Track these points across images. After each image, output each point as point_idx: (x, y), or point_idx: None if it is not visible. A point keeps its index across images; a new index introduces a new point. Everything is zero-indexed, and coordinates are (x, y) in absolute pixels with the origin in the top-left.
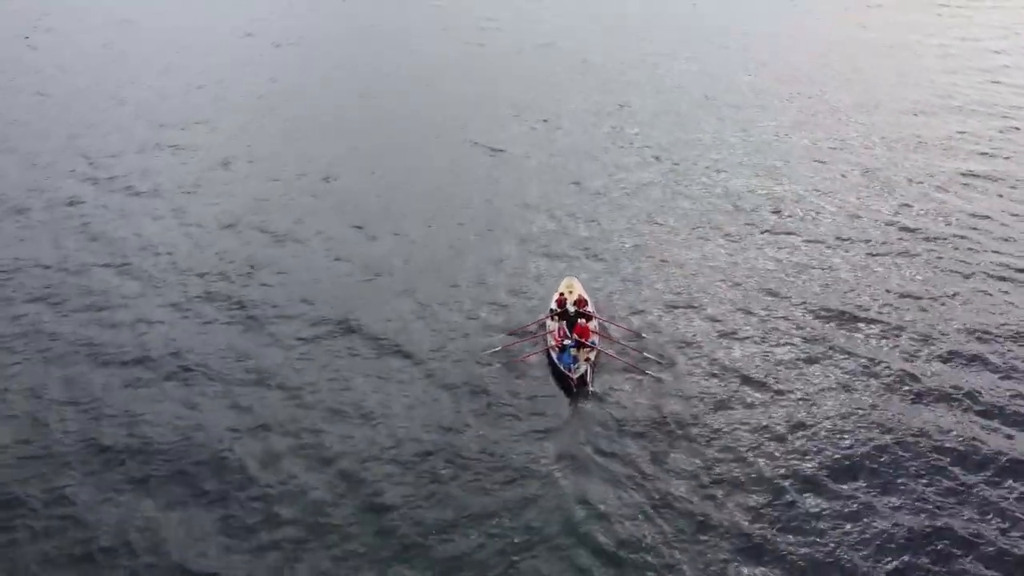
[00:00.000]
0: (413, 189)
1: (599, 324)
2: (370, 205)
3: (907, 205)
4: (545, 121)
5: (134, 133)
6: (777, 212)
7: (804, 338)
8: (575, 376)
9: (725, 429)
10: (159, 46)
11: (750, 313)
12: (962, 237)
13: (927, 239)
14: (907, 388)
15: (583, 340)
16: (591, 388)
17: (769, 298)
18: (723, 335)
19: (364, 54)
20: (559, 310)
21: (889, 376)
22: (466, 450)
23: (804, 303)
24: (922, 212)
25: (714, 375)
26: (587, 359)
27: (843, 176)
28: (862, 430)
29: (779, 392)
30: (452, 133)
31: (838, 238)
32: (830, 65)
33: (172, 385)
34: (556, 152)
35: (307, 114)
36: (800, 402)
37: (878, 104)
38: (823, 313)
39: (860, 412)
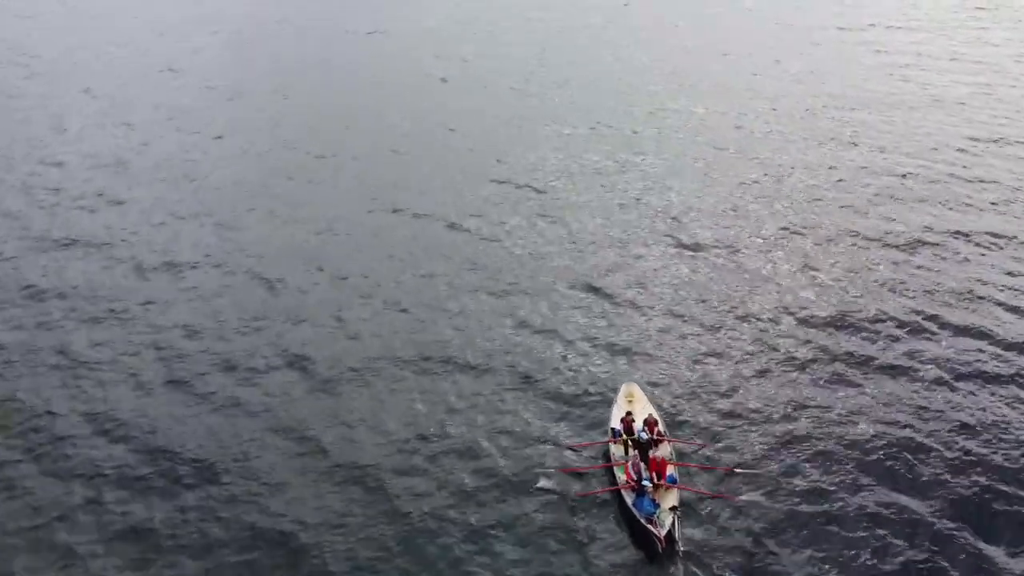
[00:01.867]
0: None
1: (673, 449)
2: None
3: None
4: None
5: None
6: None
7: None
8: (662, 533)
9: None
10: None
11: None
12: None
13: None
14: None
15: (662, 479)
16: (680, 548)
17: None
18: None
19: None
20: (625, 435)
21: None
22: None
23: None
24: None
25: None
26: (672, 507)
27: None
28: None
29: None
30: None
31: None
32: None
33: None
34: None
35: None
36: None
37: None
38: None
39: None
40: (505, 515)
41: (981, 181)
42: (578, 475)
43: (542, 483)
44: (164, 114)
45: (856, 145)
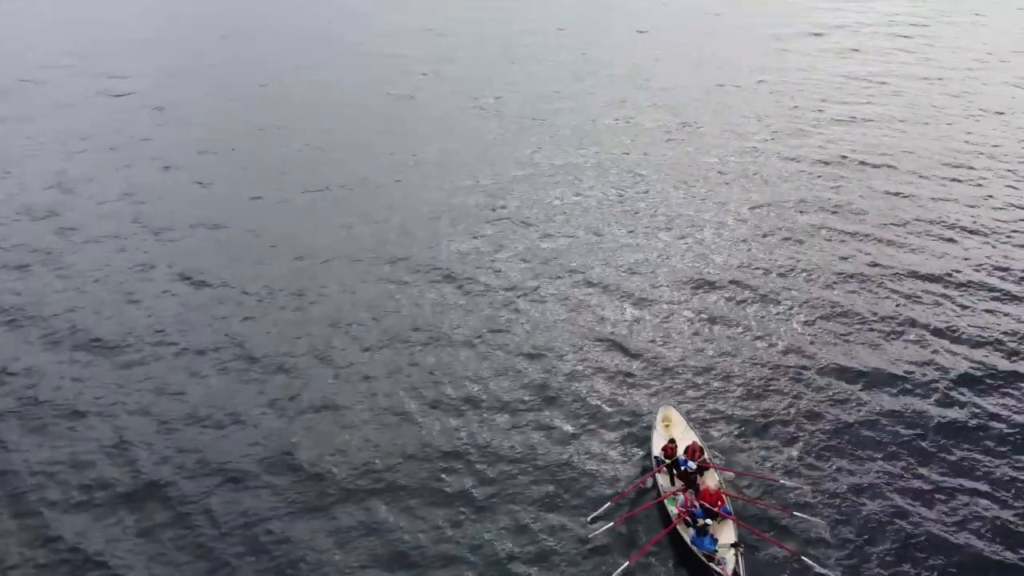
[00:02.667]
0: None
1: (721, 478)
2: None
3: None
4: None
5: None
6: None
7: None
8: (727, 572)
9: None
10: None
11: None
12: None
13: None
14: None
15: (718, 511)
16: None
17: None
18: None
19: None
20: (669, 462)
21: None
22: None
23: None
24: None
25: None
26: (734, 544)
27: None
28: None
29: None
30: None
31: None
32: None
33: None
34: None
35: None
36: None
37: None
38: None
39: None
40: (559, 557)
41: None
42: (627, 507)
43: (594, 529)
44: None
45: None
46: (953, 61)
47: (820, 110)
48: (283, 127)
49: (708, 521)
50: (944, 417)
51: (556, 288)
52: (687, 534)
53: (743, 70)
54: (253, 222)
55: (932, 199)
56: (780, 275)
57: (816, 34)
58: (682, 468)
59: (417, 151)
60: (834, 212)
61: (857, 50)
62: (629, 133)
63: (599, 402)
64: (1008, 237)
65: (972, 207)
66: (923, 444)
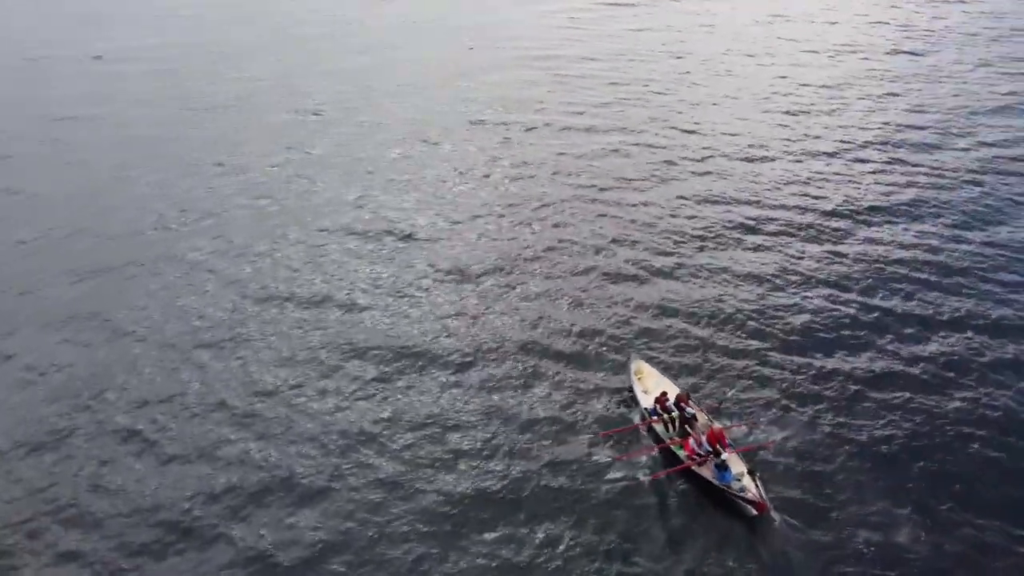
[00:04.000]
0: None
1: (709, 418)
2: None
3: None
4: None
5: None
6: None
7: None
8: (757, 497)
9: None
10: None
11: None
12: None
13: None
14: None
15: (725, 447)
16: (771, 507)
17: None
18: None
19: None
20: (665, 413)
21: None
22: None
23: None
24: None
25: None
26: (750, 471)
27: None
28: None
29: None
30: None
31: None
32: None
33: None
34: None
35: None
36: None
37: None
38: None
39: None
40: (588, 511)
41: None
42: (636, 453)
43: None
44: None
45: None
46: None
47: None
48: None
49: (725, 456)
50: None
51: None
52: (706, 473)
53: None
54: None
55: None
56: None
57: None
58: (684, 415)
59: None
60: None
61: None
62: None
63: (572, 363)
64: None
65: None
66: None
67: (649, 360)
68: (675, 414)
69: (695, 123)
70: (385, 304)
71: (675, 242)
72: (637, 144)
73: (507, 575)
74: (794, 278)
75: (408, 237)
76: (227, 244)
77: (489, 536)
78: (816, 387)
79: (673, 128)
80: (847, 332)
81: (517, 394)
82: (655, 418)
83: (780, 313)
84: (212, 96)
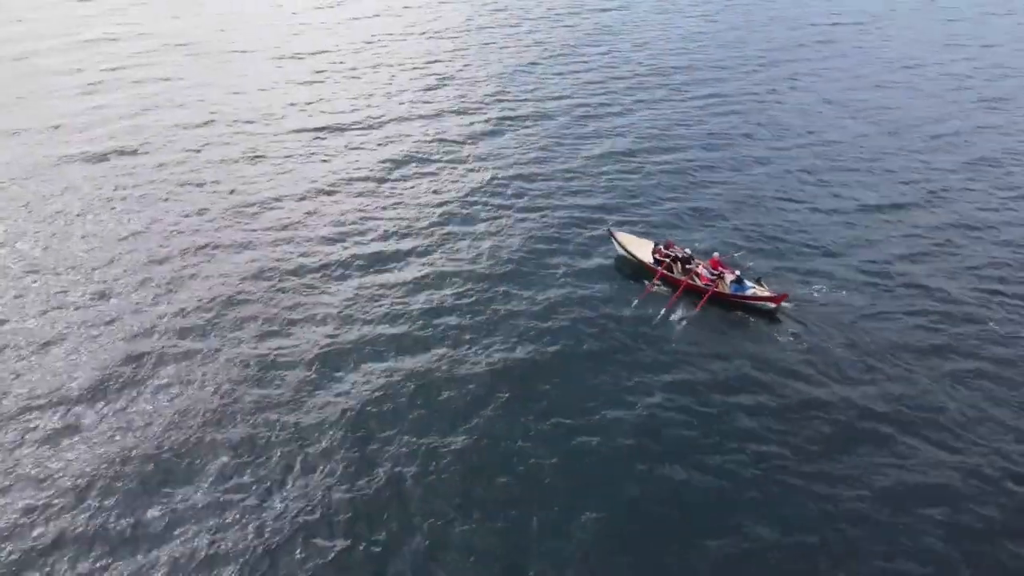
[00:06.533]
0: None
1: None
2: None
3: None
4: None
5: None
6: None
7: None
8: (775, 294)
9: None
10: None
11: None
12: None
13: None
14: None
15: (725, 269)
16: (784, 302)
17: None
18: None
19: None
20: (669, 260)
21: None
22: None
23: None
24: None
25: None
26: (756, 280)
27: None
28: None
29: None
30: None
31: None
32: None
33: None
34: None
35: None
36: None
37: None
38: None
39: None
40: (652, 345)
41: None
42: (664, 299)
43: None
44: None
45: None
46: None
47: None
48: None
49: (737, 272)
50: None
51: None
52: (726, 288)
53: None
54: None
55: None
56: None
57: None
58: (682, 256)
59: None
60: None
61: None
62: None
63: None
64: None
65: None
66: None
67: (622, 228)
68: (675, 255)
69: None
70: None
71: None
72: None
73: (610, 395)
74: None
75: None
76: None
77: (597, 378)
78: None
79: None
80: None
81: (551, 289)
82: (662, 266)
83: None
84: None
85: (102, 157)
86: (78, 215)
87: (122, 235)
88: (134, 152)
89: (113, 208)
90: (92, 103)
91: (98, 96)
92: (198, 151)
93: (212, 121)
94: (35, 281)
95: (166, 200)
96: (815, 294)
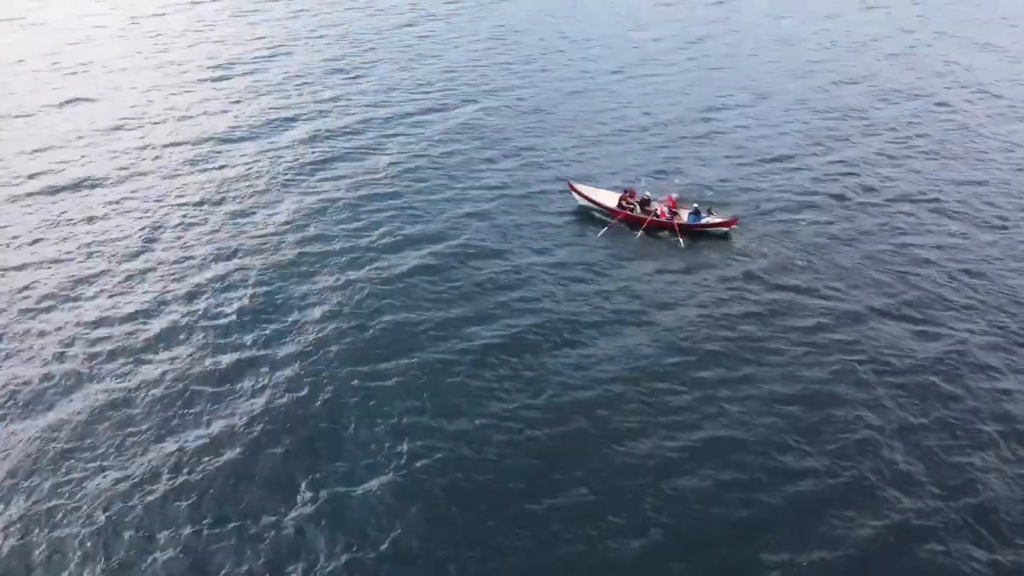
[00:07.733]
0: None
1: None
2: None
3: None
4: None
5: None
6: None
7: None
8: (727, 218)
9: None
10: None
11: None
12: None
13: None
14: None
15: (683, 206)
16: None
17: None
18: None
19: None
20: (633, 201)
21: None
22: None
23: None
24: None
25: None
26: (707, 211)
27: None
28: None
29: None
30: None
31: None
32: None
33: None
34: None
35: None
36: None
37: None
38: None
39: None
40: (622, 276)
41: None
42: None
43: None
44: None
45: None
46: None
47: None
48: None
49: (695, 205)
50: None
51: None
52: (685, 221)
53: None
54: None
55: None
56: None
57: None
58: (641, 200)
59: None
60: None
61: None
62: None
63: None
64: None
65: None
66: None
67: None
68: (637, 199)
69: None
70: None
71: None
72: None
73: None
74: None
75: None
76: None
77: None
78: None
79: None
80: None
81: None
82: (627, 209)
83: None
84: None
85: None
86: None
87: None
88: None
89: None
90: None
91: None
92: None
93: None
94: None
95: None
96: (759, 218)
